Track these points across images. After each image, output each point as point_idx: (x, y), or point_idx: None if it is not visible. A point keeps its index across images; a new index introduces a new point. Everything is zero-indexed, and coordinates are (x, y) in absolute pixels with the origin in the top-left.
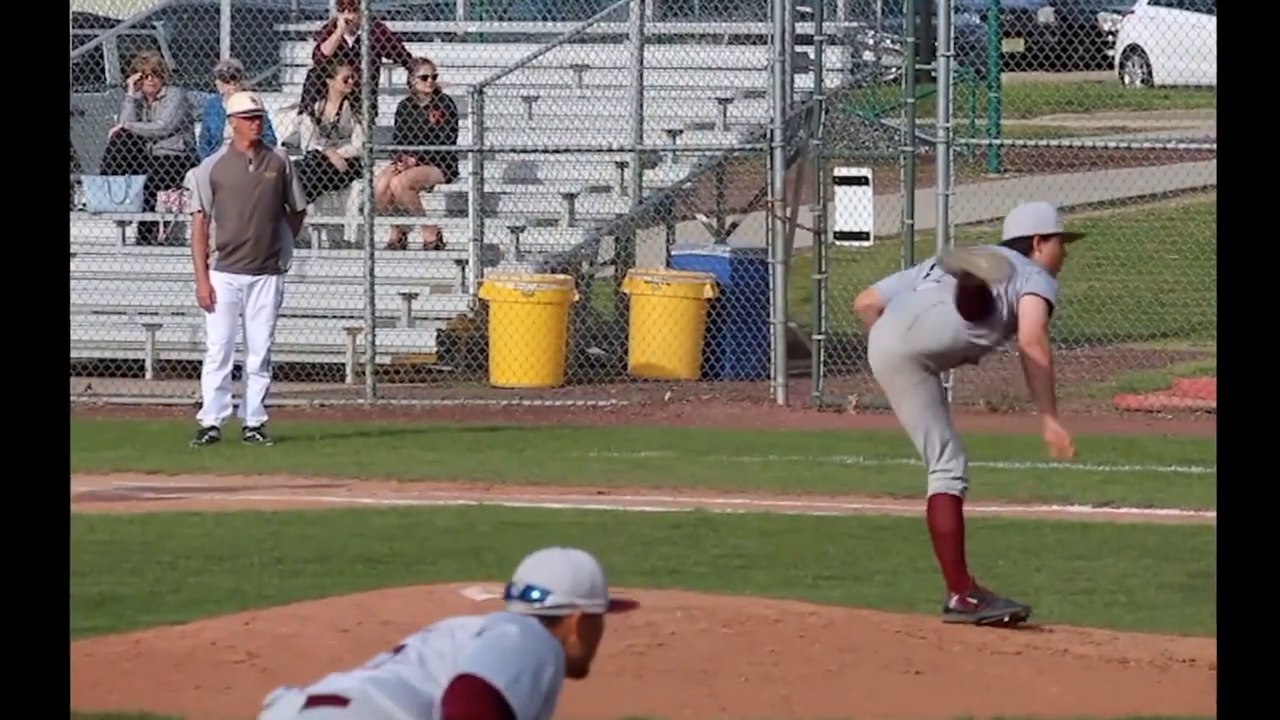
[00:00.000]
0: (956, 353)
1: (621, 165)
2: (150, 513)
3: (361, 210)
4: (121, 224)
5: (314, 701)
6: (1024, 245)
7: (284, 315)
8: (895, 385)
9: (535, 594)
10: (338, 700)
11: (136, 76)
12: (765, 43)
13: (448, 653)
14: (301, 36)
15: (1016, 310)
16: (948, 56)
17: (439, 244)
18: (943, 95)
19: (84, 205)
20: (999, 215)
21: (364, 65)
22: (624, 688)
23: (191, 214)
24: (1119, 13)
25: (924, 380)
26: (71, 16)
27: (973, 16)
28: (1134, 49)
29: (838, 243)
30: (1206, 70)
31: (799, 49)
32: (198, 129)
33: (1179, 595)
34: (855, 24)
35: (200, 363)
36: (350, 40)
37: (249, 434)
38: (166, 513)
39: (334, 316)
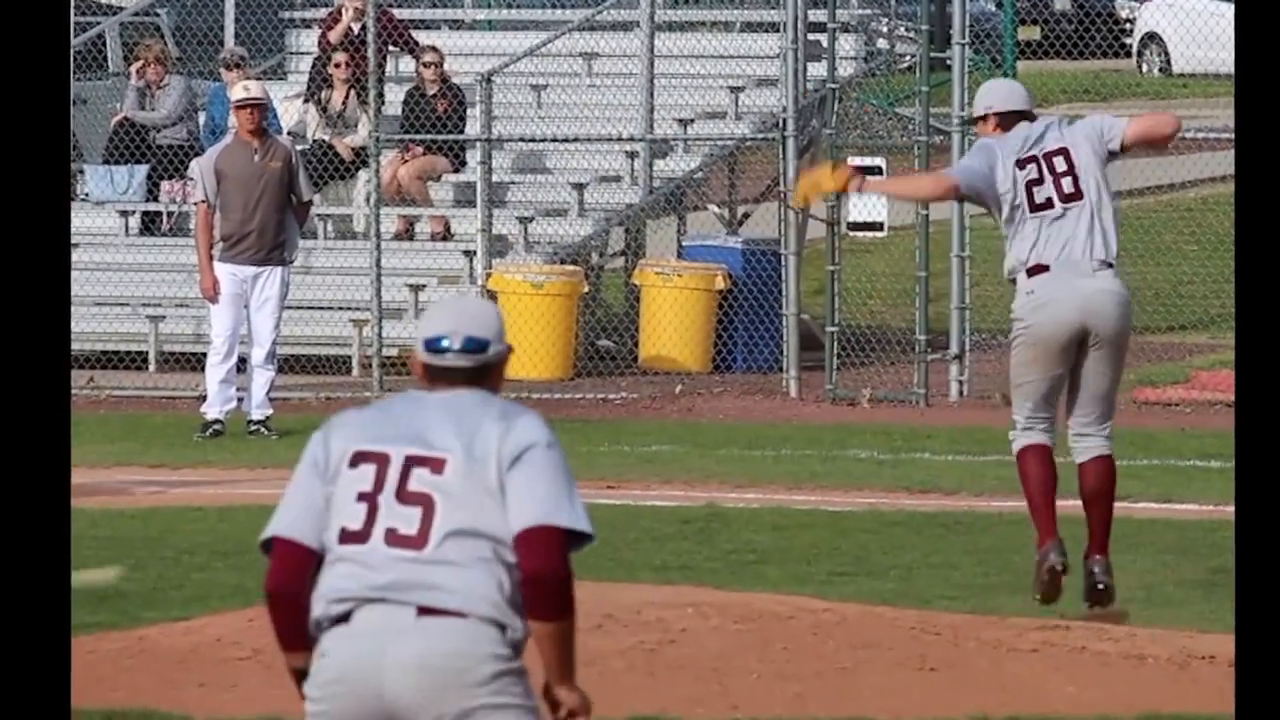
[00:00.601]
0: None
1: (632, 155)
2: (153, 508)
3: (368, 200)
4: (124, 214)
5: (426, 612)
6: (1030, 117)
7: (289, 307)
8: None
9: (478, 345)
10: (454, 613)
11: (139, 64)
12: (777, 30)
13: (491, 504)
14: (307, 24)
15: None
16: (963, 44)
17: (446, 234)
18: (958, 84)
19: (86, 195)
20: None
21: (370, 53)
22: (634, 685)
23: (195, 204)
24: (1137, 0)
25: None
26: (73, 3)
27: (988, 4)
28: (1152, 37)
29: (851, 233)
30: (1225, 59)
31: (812, 36)
32: (201, 118)
33: (1198, 591)
34: (869, 11)
35: (204, 355)
36: (356, 28)
37: (253, 427)
38: (169, 507)
39: (340, 308)
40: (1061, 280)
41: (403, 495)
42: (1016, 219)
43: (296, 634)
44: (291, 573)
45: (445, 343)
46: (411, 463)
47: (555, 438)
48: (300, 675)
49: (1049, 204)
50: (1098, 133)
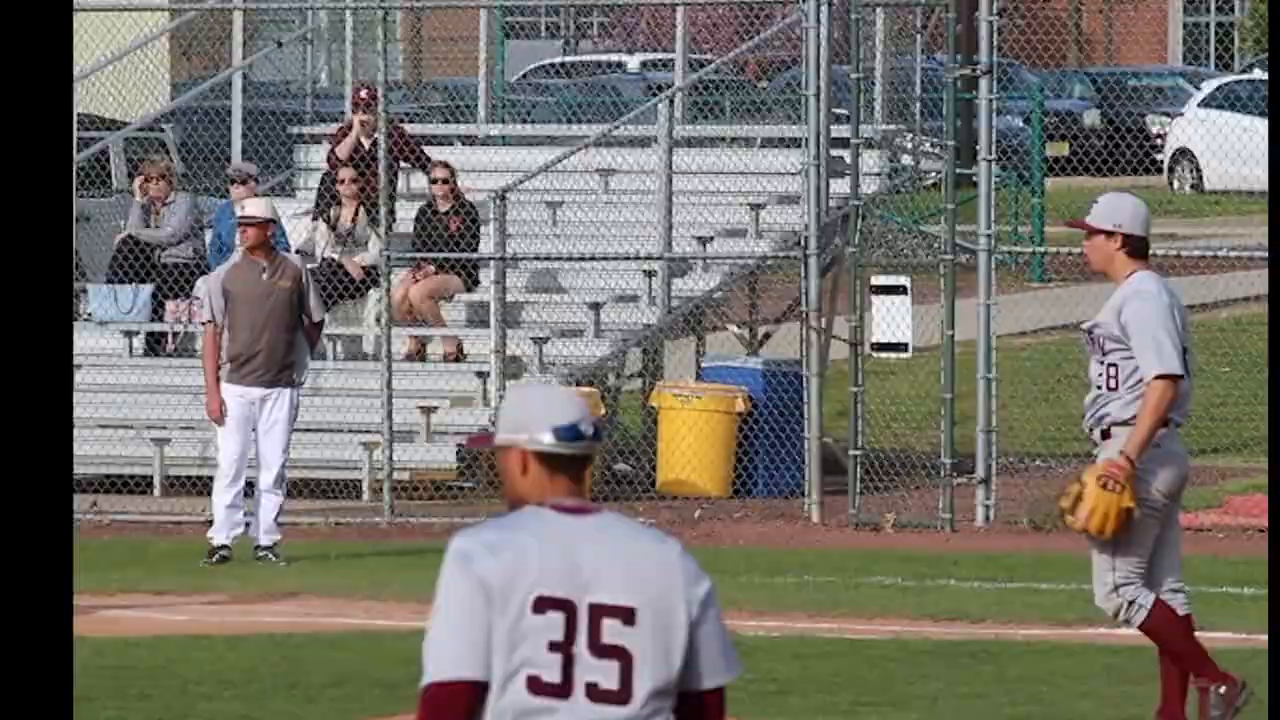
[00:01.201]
0: None
1: (649, 274)
2: (159, 636)
3: (379, 320)
4: (128, 334)
5: None
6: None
7: (298, 429)
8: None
9: (600, 433)
10: None
11: (144, 181)
12: (799, 146)
13: (675, 653)
14: (316, 139)
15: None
16: (989, 161)
17: (459, 355)
18: (984, 201)
19: (89, 315)
20: (1043, 326)
21: (381, 169)
22: None
23: (201, 324)
24: (1168, 115)
25: None
26: (76, 118)
27: (1016, 119)
28: (1183, 153)
29: (875, 354)
30: (1259, 175)
31: (834, 152)
32: (208, 236)
33: None
34: (893, 127)
35: (211, 479)
36: (366, 143)
37: (261, 553)
38: (175, 636)
39: (350, 431)
40: (1177, 437)
41: (597, 648)
42: None
43: None
44: (463, 709)
45: (582, 428)
46: (599, 612)
47: None
48: None
49: (1188, 372)
50: None
